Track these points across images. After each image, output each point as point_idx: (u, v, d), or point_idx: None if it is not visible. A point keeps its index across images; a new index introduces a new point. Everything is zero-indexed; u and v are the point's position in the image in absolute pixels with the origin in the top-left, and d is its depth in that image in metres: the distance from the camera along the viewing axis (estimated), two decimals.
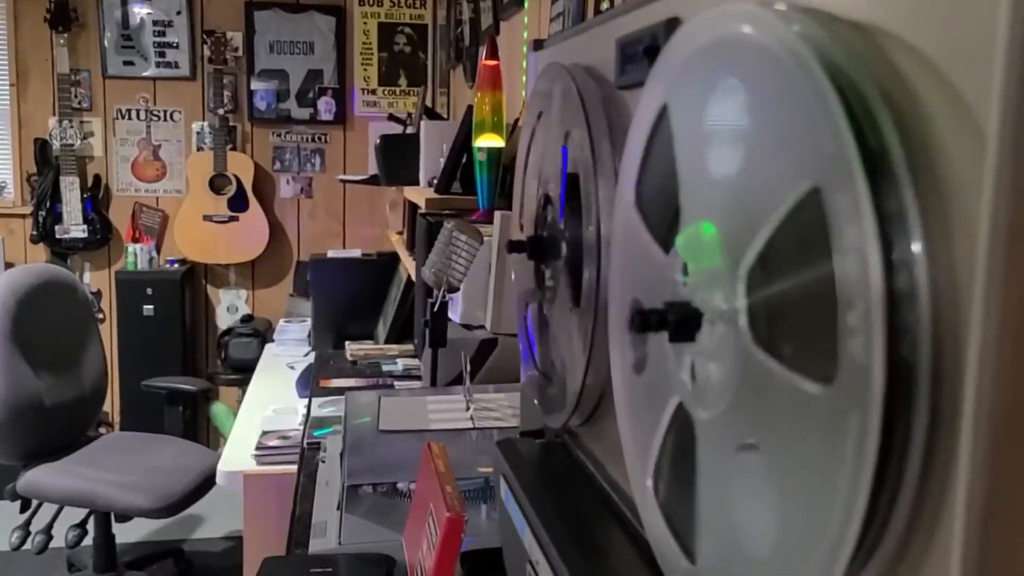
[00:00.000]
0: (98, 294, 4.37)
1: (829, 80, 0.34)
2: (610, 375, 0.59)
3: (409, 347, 2.84)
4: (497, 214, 1.87)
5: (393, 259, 3.22)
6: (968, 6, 0.30)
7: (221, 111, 4.22)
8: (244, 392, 2.95)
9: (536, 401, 0.81)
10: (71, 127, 4.16)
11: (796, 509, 0.36)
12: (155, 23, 4.25)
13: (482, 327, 1.93)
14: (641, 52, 0.56)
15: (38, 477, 2.75)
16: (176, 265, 4.30)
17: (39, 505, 2.86)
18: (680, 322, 0.42)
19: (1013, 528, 0.30)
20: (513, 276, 0.89)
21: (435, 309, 1.73)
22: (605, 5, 1.68)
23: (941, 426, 0.31)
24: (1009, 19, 0.28)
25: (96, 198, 4.24)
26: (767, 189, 0.38)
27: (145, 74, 4.28)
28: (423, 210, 2.27)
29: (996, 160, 0.29)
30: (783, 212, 0.37)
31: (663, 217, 0.48)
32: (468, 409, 1.57)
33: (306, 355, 3.27)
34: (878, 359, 0.31)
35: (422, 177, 2.63)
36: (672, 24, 0.53)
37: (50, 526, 2.89)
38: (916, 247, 0.31)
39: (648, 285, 0.51)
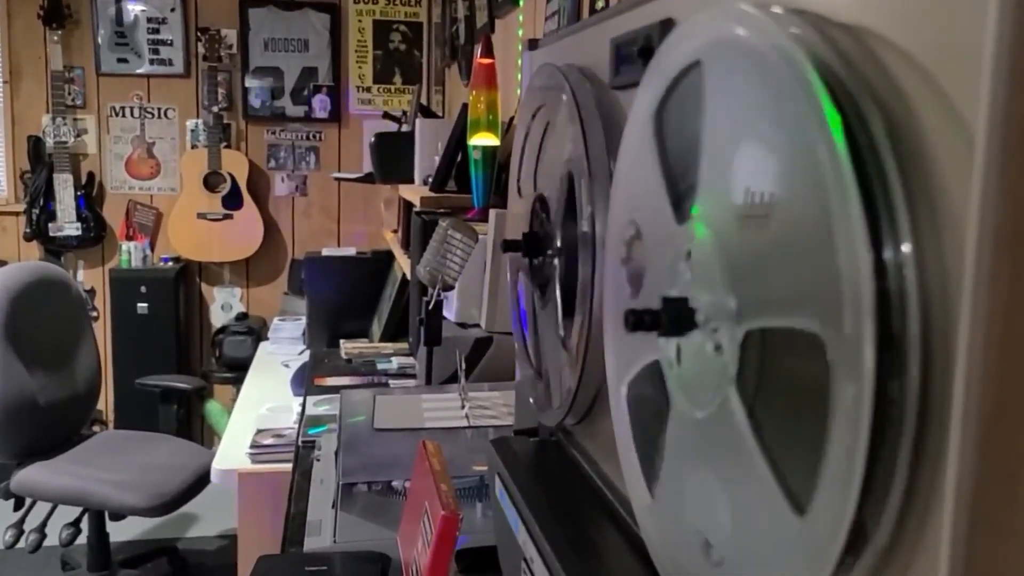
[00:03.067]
0: (92, 292, 4.36)
1: (820, 81, 0.34)
2: (604, 374, 0.59)
3: (404, 345, 2.85)
4: (492, 212, 1.87)
5: (388, 257, 3.22)
6: (957, 9, 0.30)
7: (215, 108, 4.21)
8: (238, 390, 2.95)
9: (531, 399, 0.81)
10: (65, 124, 4.14)
11: (786, 509, 0.37)
12: (149, 20, 4.24)
13: (477, 325, 1.93)
14: (635, 53, 0.56)
15: (32, 475, 2.74)
16: (170, 263, 4.29)
17: (33, 503, 2.86)
18: (674, 325, 0.42)
19: (1000, 530, 0.30)
20: (508, 274, 0.89)
21: (430, 307, 1.73)
22: (600, 4, 1.69)
23: (930, 424, 0.31)
24: (997, 22, 0.29)
25: (90, 196, 4.23)
26: (758, 191, 0.38)
27: (139, 71, 4.27)
28: (418, 208, 2.27)
29: (984, 161, 0.29)
30: (775, 213, 0.37)
31: (679, 180, 0.47)
32: (463, 407, 1.57)
33: (301, 353, 3.26)
34: (868, 360, 0.31)
35: (417, 175, 2.64)
36: (666, 25, 0.54)
37: (44, 524, 2.89)
38: (906, 247, 0.32)
39: (651, 221, 0.49)
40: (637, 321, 0.41)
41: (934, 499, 0.31)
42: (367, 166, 3.93)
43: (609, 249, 0.58)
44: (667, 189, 0.48)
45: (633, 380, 0.52)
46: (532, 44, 0.87)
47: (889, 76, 0.34)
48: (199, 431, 4.39)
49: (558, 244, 0.72)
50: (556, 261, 0.73)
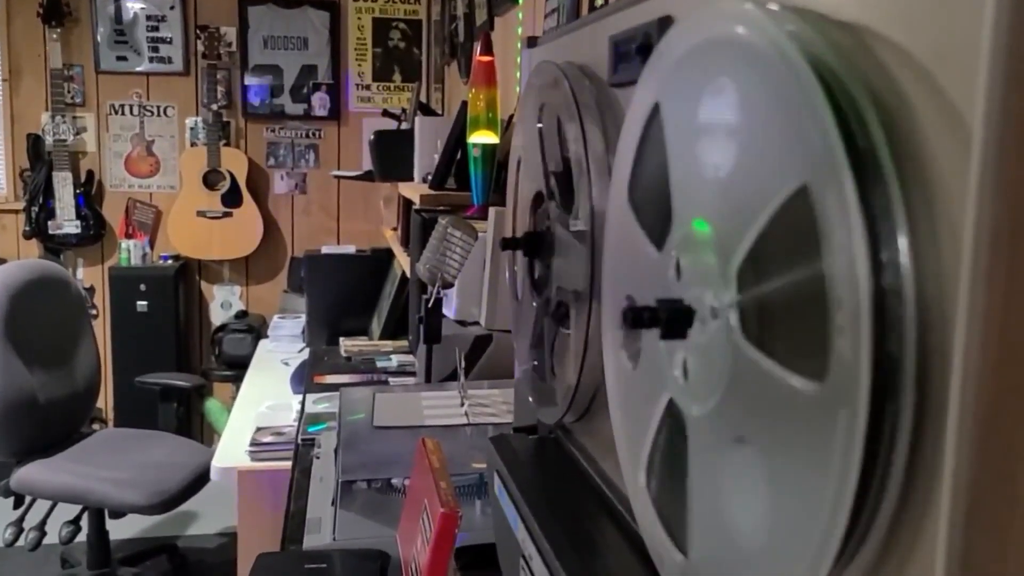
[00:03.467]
0: (91, 290, 4.36)
1: (817, 79, 0.34)
2: (604, 372, 0.59)
3: (403, 343, 2.85)
4: (492, 210, 1.87)
5: (387, 255, 3.22)
6: (955, 7, 0.30)
7: (215, 106, 4.21)
8: (238, 388, 2.95)
9: (530, 397, 0.81)
10: (64, 122, 4.14)
11: (784, 506, 0.37)
12: (148, 18, 4.24)
13: (477, 323, 1.93)
14: (634, 50, 0.56)
15: (31, 473, 2.74)
16: (170, 261, 4.29)
17: (32, 501, 2.86)
18: (671, 319, 0.42)
19: (998, 526, 0.30)
20: (507, 273, 0.89)
21: (430, 305, 1.73)
22: (599, 1, 1.69)
23: (927, 425, 0.31)
24: (995, 20, 0.29)
25: (89, 194, 4.23)
26: (757, 187, 0.38)
27: (138, 69, 4.27)
28: (418, 206, 2.27)
29: (981, 159, 0.29)
30: (772, 210, 0.37)
31: (656, 215, 0.49)
32: (463, 405, 1.57)
33: (300, 351, 3.27)
34: (865, 359, 0.32)
35: (416, 173, 2.64)
36: (665, 22, 0.54)
37: (44, 522, 2.89)
38: (902, 244, 0.32)
39: (641, 282, 0.51)
40: (636, 319, 0.42)
41: (931, 497, 0.31)
42: (366, 164, 3.93)
43: (608, 247, 0.58)
44: (645, 232, 0.49)
45: (650, 454, 0.50)
46: (531, 42, 0.87)
47: (887, 73, 0.34)
48: (199, 429, 4.39)
49: (557, 242, 0.72)
50: (555, 259, 0.73)
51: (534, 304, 0.79)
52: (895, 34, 0.34)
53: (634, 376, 0.53)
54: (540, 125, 0.74)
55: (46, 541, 2.90)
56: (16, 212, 4.22)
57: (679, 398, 0.46)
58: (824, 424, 0.34)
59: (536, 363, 0.79)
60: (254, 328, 4.14)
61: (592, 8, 1.72)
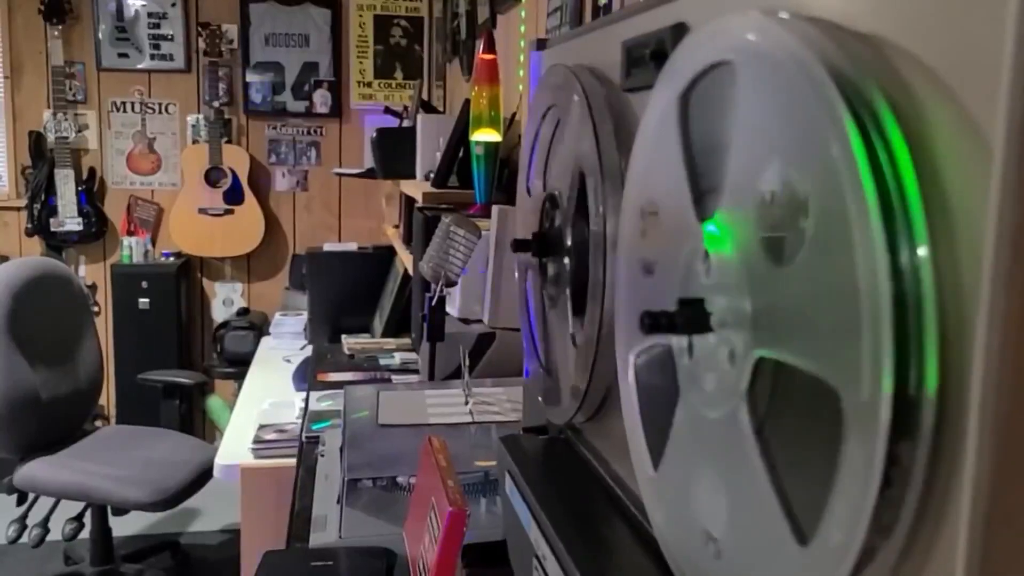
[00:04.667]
0: (93, 287, 4.36)
1: (837, 89, 0.35)
2: (615, 372, 0.60)
3: (406, 341, 2.85)
4: (495, 208, 1.88)
5: (389, 252, 3.23)
6: (973, 18, 0.31)
7: (216, 104, 4.21)
8: (240, 386, 2.95)
9: (540, 397, 0.81)
10: (66, 120, 4.14)
11: (801, 508, 0.37)
12: (150, 15, 4.23)
13: (480, 321, 1.93)
14: (647, 56, 0.56)
15: (34, 470, 2.75)
16: (171, 258, 4.29)
17: (36, 498, 2.87)
18: (689, 326, 0.42)
19: (1017, 530, 0.30)
20: (516, 274, 0.89)
21: (433, 303, 1.74)
22: (604, 1, 1.69)
23: (946, 432, 0.32)
24: (1015, 30, 0.29)
25: (91, 191, 4.23)
26: (785, 205, 0.39)
27: (140, 67, 4.27)
28: (420, 204, 2.28)
29: (1001, 168, 0.29)
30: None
31: (701, 167, 0.47)
32: (467, 403, 1.58)
33: (302, 348, 3.27)
34: (887, 363, 0.32)
35: (419, 171, 2.64)
36: (679, 30, 0.54)
37: (47, 519, 2.90)
38: (922, 252, 0.32)
39: (665, 194, 0.49)
40: (653, 323, 0.42)
41: (950, 503, 0.32)
42: (368, 161, 3.93)
43: (624, 223, 0.58)
44: (689, 180, 0.48)
45: (643, 351, 0.52)
46: (540, 44, 0.87)
47: (905, 84, 0.34)
48: (201, 426, 4.40)
49: (568, 243, 0.72)
50: (566, 260, 0.74)
51: (544, 305, 0.80)
52: (913, 45, 0.34)
53: (648, 369, 0.53)
54: (551, 127, 0.75)
55: (49, 538, 2.91)
56: (18, 209, 4.22)
57: (685, 385, 0.47)
58: (845, 431, 0.34)
59: (546, 364, 0.80)
60: (256, 325, 4.15)
61: (595, 7, 1.73)
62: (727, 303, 0.42)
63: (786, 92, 0.38)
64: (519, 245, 0.76)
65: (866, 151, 0.33)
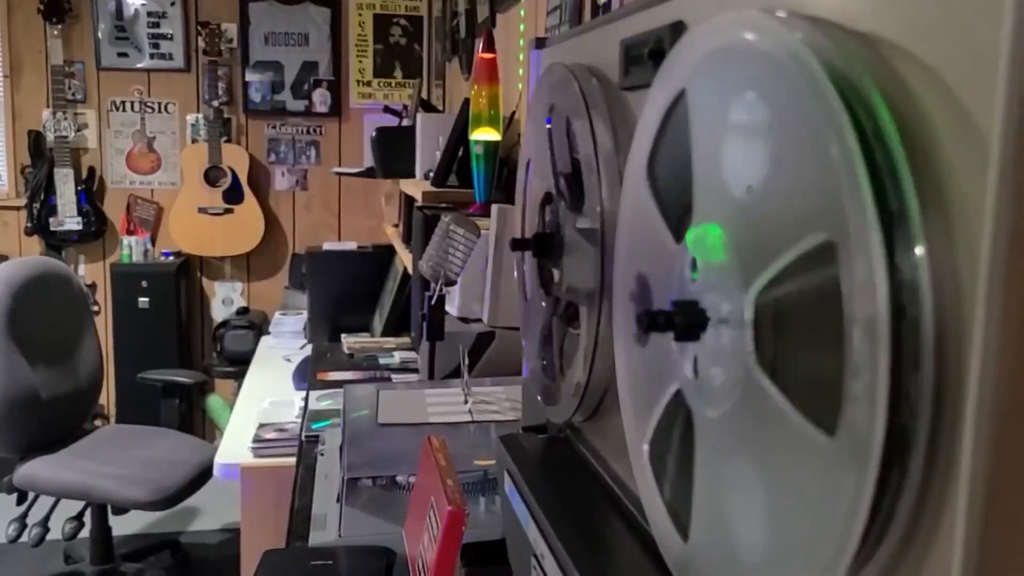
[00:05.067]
0: (93, 287, 4.36)
1: (835, 89, 0.35)
2: (614, 371, 0.60)
3: (405, 340, 2.85)
4: (494, 207, 1.88)
5: (389, 251, 3.23)
6: (972, 18, 0.31)
7: (216, 103, 4.21)
8: (240, 385, 2.95)
9: (539, 397, 0.82)
10: (65, 119, 4.14)
11: (797, 508, 0.37)
12: (149, 14, 4.23)
13: (479, 320, 1.93)
14: (646, 55, 0.56)
15: (35, 470, 2.75)
16: (171, 258, 4.29)
17: (36, 498, 2.87)
18: (687, 325, 0.42)
19: (1014, 529, 0.31)
20: (515, 273, 0.90)
21: (433, 302, 1.74)
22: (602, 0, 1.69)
23: (943, 428, 0.32)
24: (1012, 31, 0.29)
25: (90, 190, 4.23)
26: (776, 200, 0.39)
27: (139, 66, 4.26)
28: (419, 203, 2.28)
29: (999, 166, 0.29)
30: (794, 253, 0.37)
31: (675, 202, 0.49)
32: (466, 402, 1.58)
33: (302, 348, 3.27)
34: (883, 376, 0.32)
35: (418, 170, 2.64)
36: (677, 28, 0.54)
37: (47, 518, 2.90)
38: (919, 251, 0.32)
39: (654, 262, 0.51)
40: (651, 323, 0.42)
41: (948, 494, 0.32)
42: (368, 160, 3.93)
43: (622, 219, 0.58)
44: (664, 220, 0.49)
45: (655, 432, 0.51)
46: (539, 43, 0.87)
47: (902, 82, 0.34)
48: (201, 425, 4.40)
49: (567, 242, 0.72)
50: (565, 259, 0.74)
51: (543, 304, 0.80)
52: (911, 44, 0.34)
53: (644, 358, 0.53)
54: (550, 126, 0.75)
55: (49, 537, 2.91)
56: (17, 209, 4.22)
57: (688, 393, 0.47)
58: (839, 433, 0.34)
59: (545, 363, 0.80)
60: (255, 324, 4.15)
61: (595, 6, 1.72)
62: (717, 277, 0.42)
63: (784, 91, 0.38)
64: (518, 244, 0.76)
65: (863, 150, 0.33)
